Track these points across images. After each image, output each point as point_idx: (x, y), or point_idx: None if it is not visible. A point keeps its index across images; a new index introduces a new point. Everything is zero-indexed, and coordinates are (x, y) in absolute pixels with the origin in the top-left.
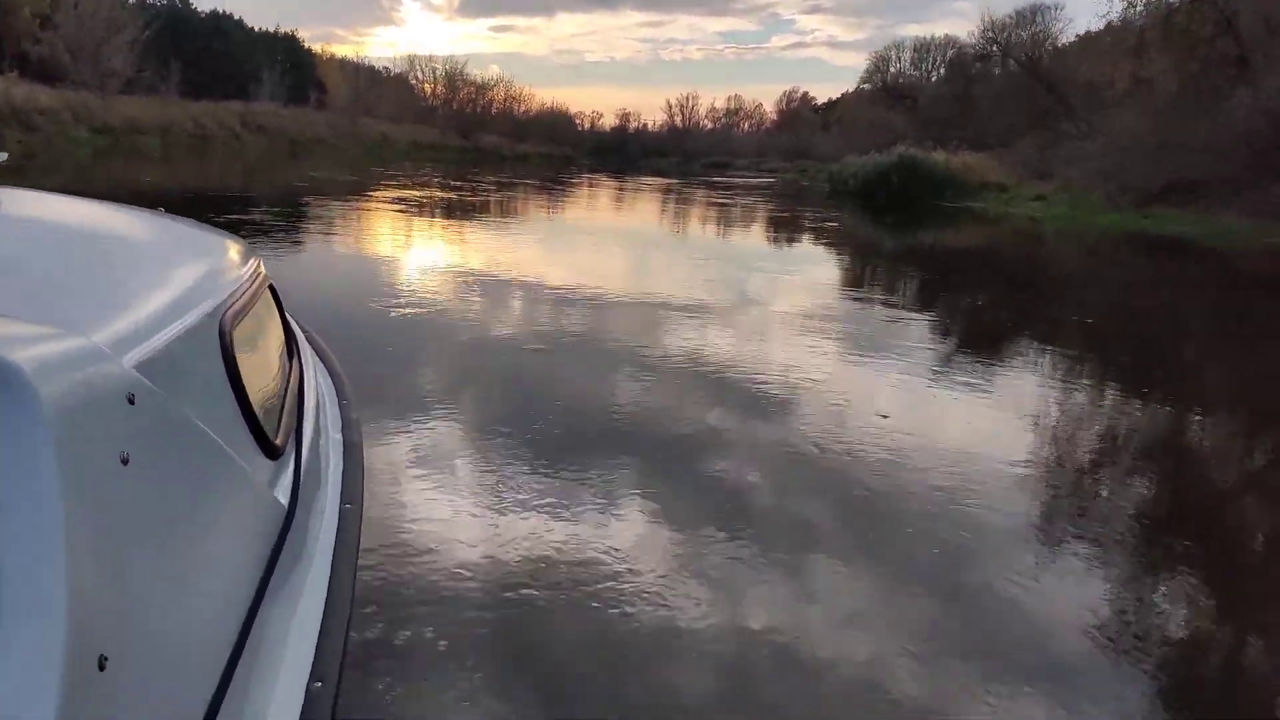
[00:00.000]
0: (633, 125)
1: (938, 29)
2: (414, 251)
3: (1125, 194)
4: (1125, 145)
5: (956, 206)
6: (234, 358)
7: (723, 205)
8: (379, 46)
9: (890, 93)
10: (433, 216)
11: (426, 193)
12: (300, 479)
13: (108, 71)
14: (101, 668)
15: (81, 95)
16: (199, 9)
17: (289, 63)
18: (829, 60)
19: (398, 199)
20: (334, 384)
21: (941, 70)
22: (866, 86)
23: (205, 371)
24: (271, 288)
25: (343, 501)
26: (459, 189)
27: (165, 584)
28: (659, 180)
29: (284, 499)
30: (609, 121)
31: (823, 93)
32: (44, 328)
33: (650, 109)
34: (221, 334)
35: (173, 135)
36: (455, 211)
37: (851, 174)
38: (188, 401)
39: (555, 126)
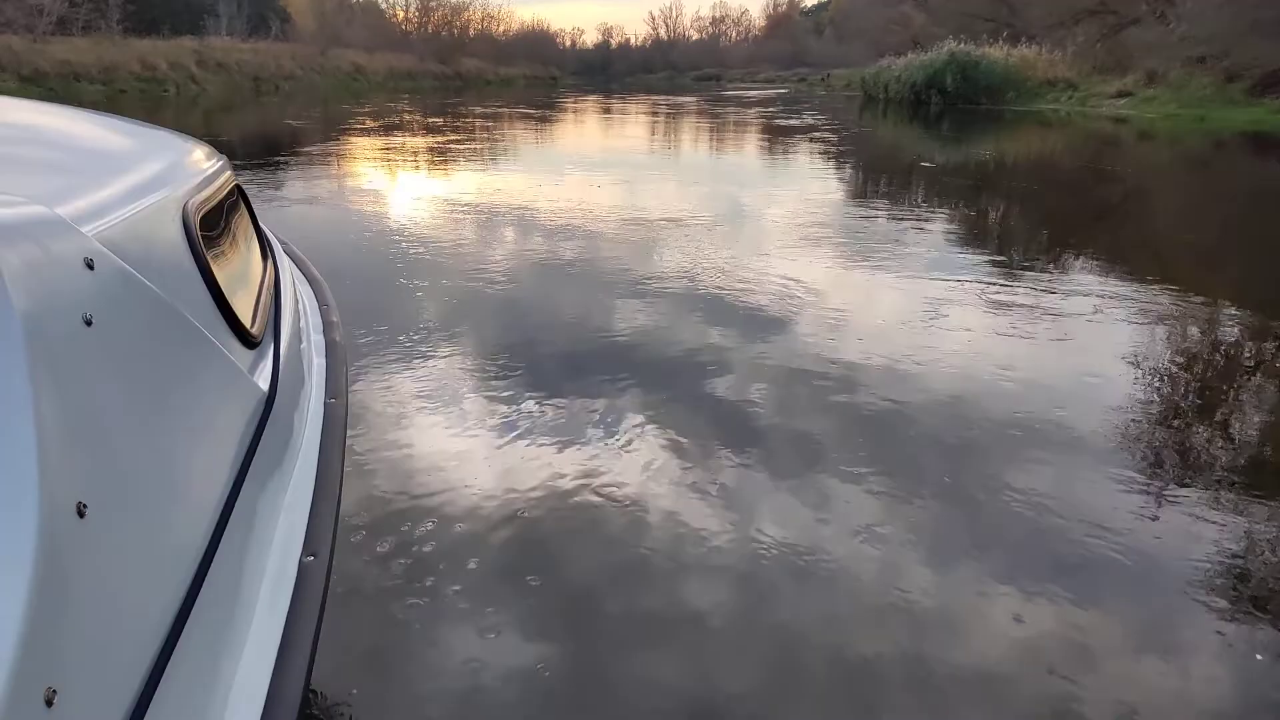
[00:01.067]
0: (615, 40)
1: None
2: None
3: (1235, 82)
4: (1231, 18)
5: (1023, 110)
6: (200, 245)
7: (759, 127)
8: None
9: None
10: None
11: (412, 138)
12: (279, 369)
13: (34, 8)
14: (81, 515)
15: (5, 38)
16: None
17: None
18: None
19: (376, 146)
20: (314, 291)
21: None
22: None
23: (171, 255)
24: (242, 191)
25: (327, 396)
26: (451, 128)
27: (141, 445)
28: (659, 100)
29: (263, 386)
30: (591, 38)
31: None
32: (3, 195)
33: (632, 22)
34: (186, 221)
35: (118, 79)
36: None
37: (893, 79)
38: (152, 278)
39: (538, 46)
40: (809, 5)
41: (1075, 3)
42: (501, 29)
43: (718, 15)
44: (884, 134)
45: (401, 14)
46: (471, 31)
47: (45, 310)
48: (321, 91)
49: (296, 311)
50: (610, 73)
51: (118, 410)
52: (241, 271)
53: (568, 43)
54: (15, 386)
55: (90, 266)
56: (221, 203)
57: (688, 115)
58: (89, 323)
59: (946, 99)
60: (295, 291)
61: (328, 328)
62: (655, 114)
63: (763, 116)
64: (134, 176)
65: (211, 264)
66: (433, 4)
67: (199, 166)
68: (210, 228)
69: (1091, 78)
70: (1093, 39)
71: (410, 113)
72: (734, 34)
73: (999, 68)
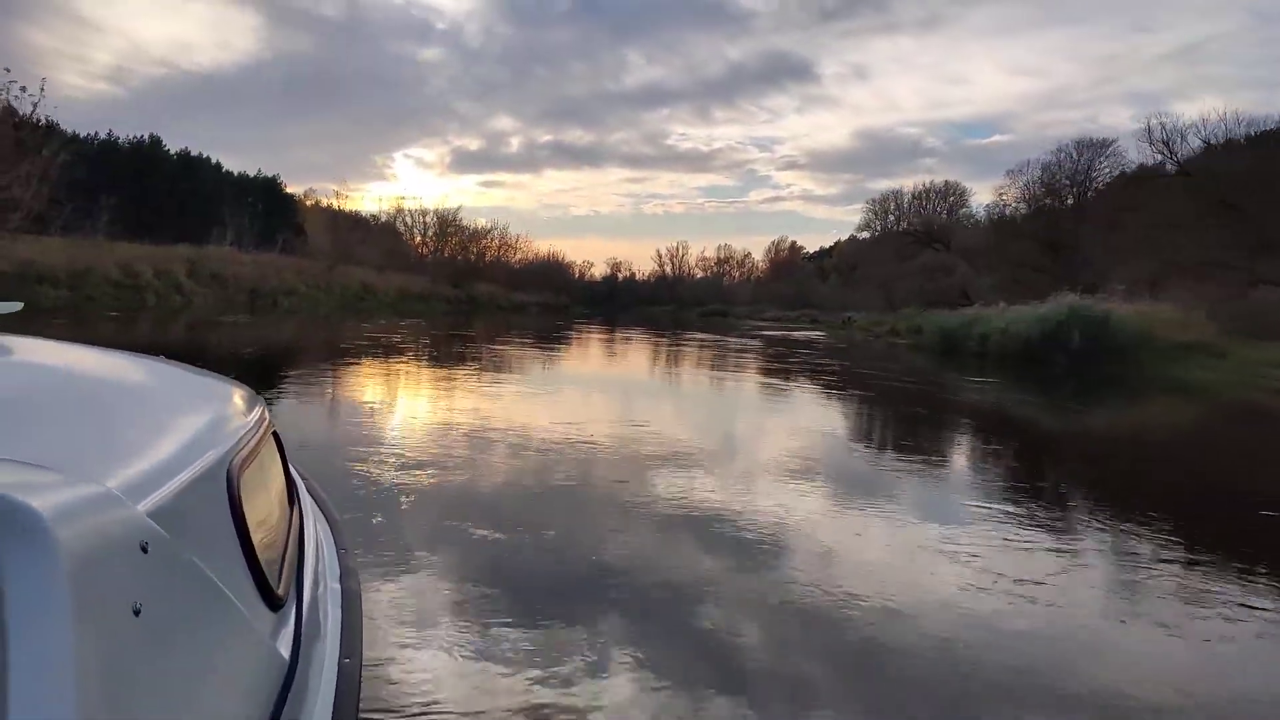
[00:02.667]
0: (622, 274)
1: (905, 182)
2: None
3: None
4: None
5: (1164, 377)
6: (241, 506)
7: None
8: (370, 202)
9: (918, 237)
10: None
11: (411, 367)
12: (301, 631)
13: (5, 201)
14: None
15: None
16: (170, 148)
17: (266, 207)
18: (803, 213)
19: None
20: (331, 531)
21: (959, 213)
22: (865, 234)
23: (213, 520)
24: (277, 436)
25: (342, 655)
26: (453, 362)
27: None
28: (702, 337)
29: (285, 652)
30: (599, 270)
31: (804, 242)
32: (60, 474)
33: (637, 258)
34: (230, 481)
35: (90, 284)
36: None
37: (997, 330)
38: (196, 550)
39: (551, 275)
40: (809, 251)
41: (1174, 253)
42: (518, 257)
43: (722, 256)
44: (1096, 419)
45: (419, 238)
46: (488, 257)
47: (98, 600)
48: (324, 309)
49: (317, 561)
50: (616, 303)
51: (153, 691)
52: (272, 526)
53: (576, 274)
54: (61, 683)
55: (144, 550)
56: (261, 455)
57: (766, 362)
58: (137, 613)
59: (1071, 357)
60: (316, 539)
61: (345, 575)
62: (717, 353)
63: (840, 369)
64: (181, 436)
65: (248, 522)
66: (450, 230)
67: (242, 418)
68: (250, 483)
69: (1234, 340)
70: (1220, 295)
71: (417, 343)
72: (737, 274)
73: (1129, 325)
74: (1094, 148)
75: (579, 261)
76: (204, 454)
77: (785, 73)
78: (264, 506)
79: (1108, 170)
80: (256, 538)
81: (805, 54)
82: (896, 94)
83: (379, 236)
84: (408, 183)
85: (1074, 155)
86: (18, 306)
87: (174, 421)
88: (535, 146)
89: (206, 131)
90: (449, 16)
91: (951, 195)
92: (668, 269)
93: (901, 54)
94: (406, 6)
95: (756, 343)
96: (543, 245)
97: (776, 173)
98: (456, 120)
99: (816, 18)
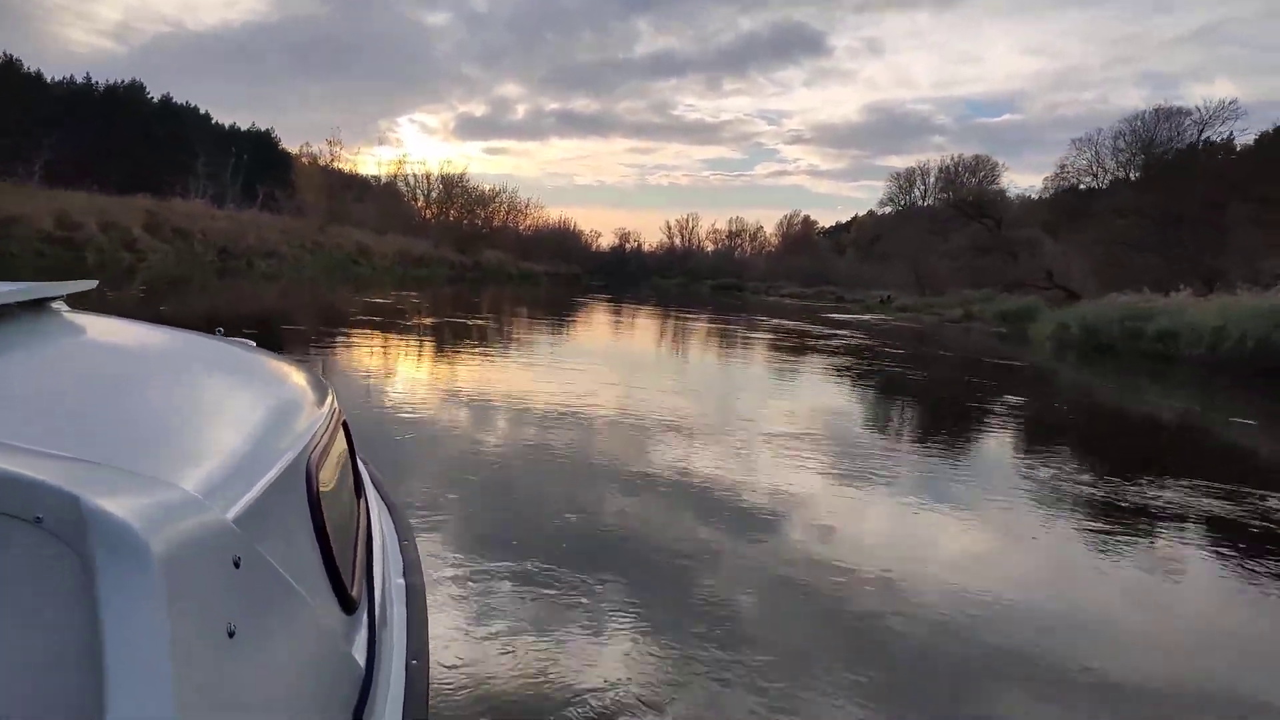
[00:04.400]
0: (629, 245)
1: (911, 160)
2: None
3: None
4: None
5: None
6: (320, 506)
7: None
8: (371, 166)
9: (963, 210)
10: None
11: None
12: (375, 635)
13: None
14: None
15: None
16: (152, 95)
17: (255, 160)
18: (809, 188)
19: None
20: (393, 520)
21: (989, 188)
22: (888, 209)
23: (294, 521)
24: (346, 426)
25: (409, 656)
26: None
27: None
28: (759, 320)
29: (361, 658)
30: (607, 240)
31: (812, 217)
32: (148, 479)
33: (643, 229)
34: (308, 479)
35: (13, 238)
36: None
37: (1208, 329)
38: (278, 556)
39: (562, 243)
40: (823, 226)
41: None
42: (527, 223)
43: (734, 229)
44: None
45: (422, 200)
46: (496, 222)
47: (194, 619)
48: (309, 272)
49: (384, 556)
50: (626, 274)
51: (242, 709)
52: (345, 523)
53: (585, 243)
54: (158, 699)
55: (237, 565)
56: (334, 449)
57: (852, 358)
58: (232, 634)
59: None
60: (381, 530)
61: (408, 569)
62: (783, 346)
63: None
64: (260, 432)
65: (325, 522)
66: (457, 191)
67: (316, 409)
68: (324, 479)
69: None
70: None
71: (427, 324)
72: (748, 247)
73: None
74: (1174, 117)
75: (588, 231)
76: (284, 451)
77: (798, 45)
78: (337, 503)
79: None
80: (332, 538)
81: (819, 26)
82: (909, 70)
83: (378, 197)
84: (412, 148)
85: (1149, 125)
86: (92, 284)
87: (251, 414)
88: (541, 114)
89: (205, 91)
90: None
91: (982, 170)
92: (677, 241)
93: (917, 29)
94: None
95: (823, 329)
96: (553, 213)
97: (784, 146)
98: (462, 85)
99: None
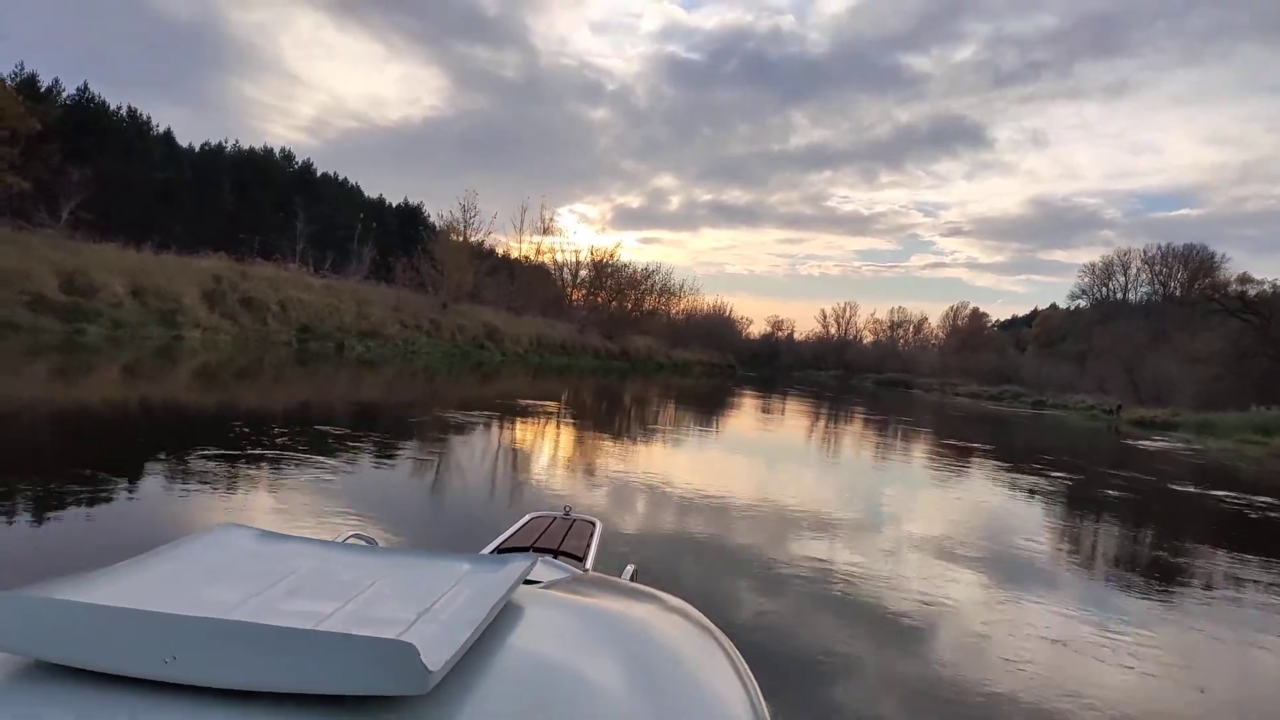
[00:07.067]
0: (780, 333)
1: (1081, 256)
2: None
3: None
4: None
5: None
6: None
7: None
8: (524, 248)
9: (1222, 304)
10: None
11: None
12: None
13: None
14: None
15: None
16: (298, 162)
17: (392, 229)
18: (968, 281)
19: None
20: None
21: (1203, 282)
22: (1080, 303)
23: None
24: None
25: None
26: None
27: None
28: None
29: None
30: (757, 328)
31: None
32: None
33: (794, 318)
34: None
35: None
36: None
37: None
38: None
39: (715, 330)
40: (995, 320)
41: None
42: (679, 309)
43: (895, 319)
44: None
45: (568, 280)
46: (647, 305)
47: None
48: (424, 360)
49: None
50: (777, 364)
51: None
52: None
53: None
54: None
55: None
56: None
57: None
58: None
59: None
60: None
61: None
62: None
63: None
64: None
65: None
66: (608, 270)
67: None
68: None
69: None
70: None
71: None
72: (911, 340)
73: None
74: None
75: (739, 318)
76: None
77: (957, 137)
78: None
79: None
80: None
81: (979, 118)
82: (1075, 162)
83: (522, 275)
84: (570, 237)
85: None
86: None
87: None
88: (695, 205)
89: (375, 178)
90: (619, 78)
91: (1194, 261)
92: (832, 330)
93: (1084, 120)
94: (580, 69)
95: (1167, 482)
96: (707, 299)
97: (940, 239)
98: (621, 178)
99: (991, 82)
